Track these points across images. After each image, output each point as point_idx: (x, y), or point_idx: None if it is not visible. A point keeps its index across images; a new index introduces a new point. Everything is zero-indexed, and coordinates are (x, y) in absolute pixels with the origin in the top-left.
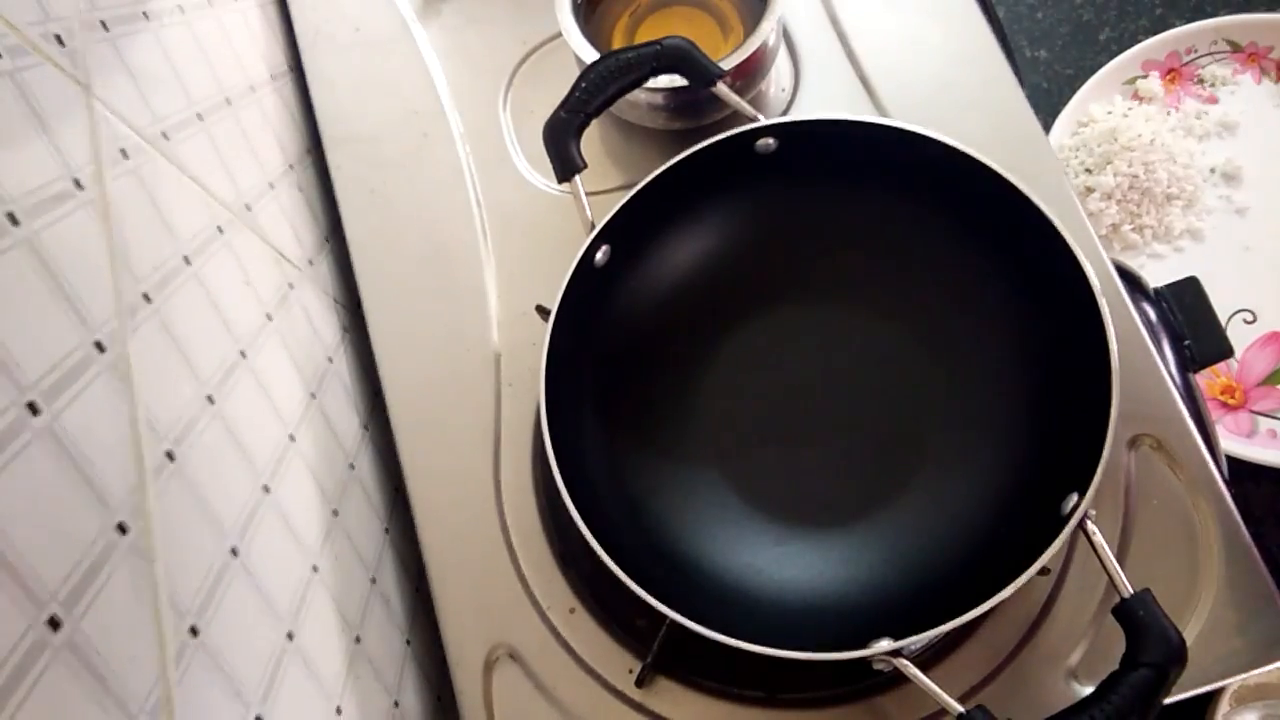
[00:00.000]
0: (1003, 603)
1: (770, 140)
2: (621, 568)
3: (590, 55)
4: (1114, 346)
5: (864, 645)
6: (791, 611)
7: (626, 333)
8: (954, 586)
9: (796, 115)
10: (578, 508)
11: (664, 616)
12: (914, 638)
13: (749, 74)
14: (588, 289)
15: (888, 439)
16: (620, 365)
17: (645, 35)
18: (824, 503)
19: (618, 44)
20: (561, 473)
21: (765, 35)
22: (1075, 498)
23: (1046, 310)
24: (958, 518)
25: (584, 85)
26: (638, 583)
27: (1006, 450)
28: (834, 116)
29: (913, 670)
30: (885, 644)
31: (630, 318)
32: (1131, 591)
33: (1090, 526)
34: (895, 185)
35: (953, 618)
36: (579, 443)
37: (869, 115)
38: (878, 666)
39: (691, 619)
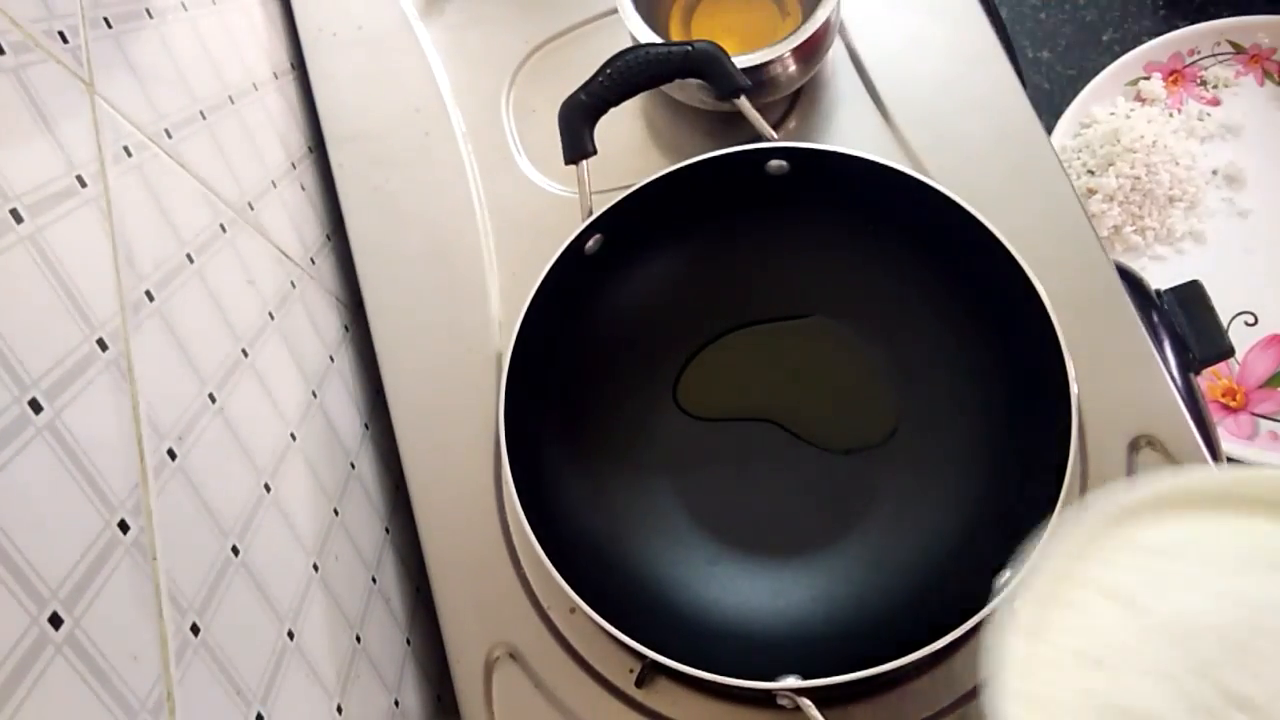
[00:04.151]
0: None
1: (783, 163)
2: (545, 549)
3: (647, 36)
4: (1074, 439)
5: (772, 678)
6: (709, 630)
7: (604, 327)
8: (876, 637)
9: (810, 140)
10: (514, 476)
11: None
12: (822, 680)
13: (807, 57)
14: (573, 274)
15: (841, 479)
16: (591, 357)
17: (701, 18)
18: (765, 532)
19: (674, 24)
20: (510, 451)
21: (823, 18)
22: (1008, 574)
23: (1021, 389)
24: (893, 572)
25: (608, 72)
26: (558, 569)
27: (954, 513)
28: (852, 152)
29: (814, 712)
30: (792, 681)
31: (610, 313)
32: None
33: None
34: (900, 231)
35: (867, 667)
36: (538, 429)
37: (882, 156)
38: (781, 702)
39: (602, 615)
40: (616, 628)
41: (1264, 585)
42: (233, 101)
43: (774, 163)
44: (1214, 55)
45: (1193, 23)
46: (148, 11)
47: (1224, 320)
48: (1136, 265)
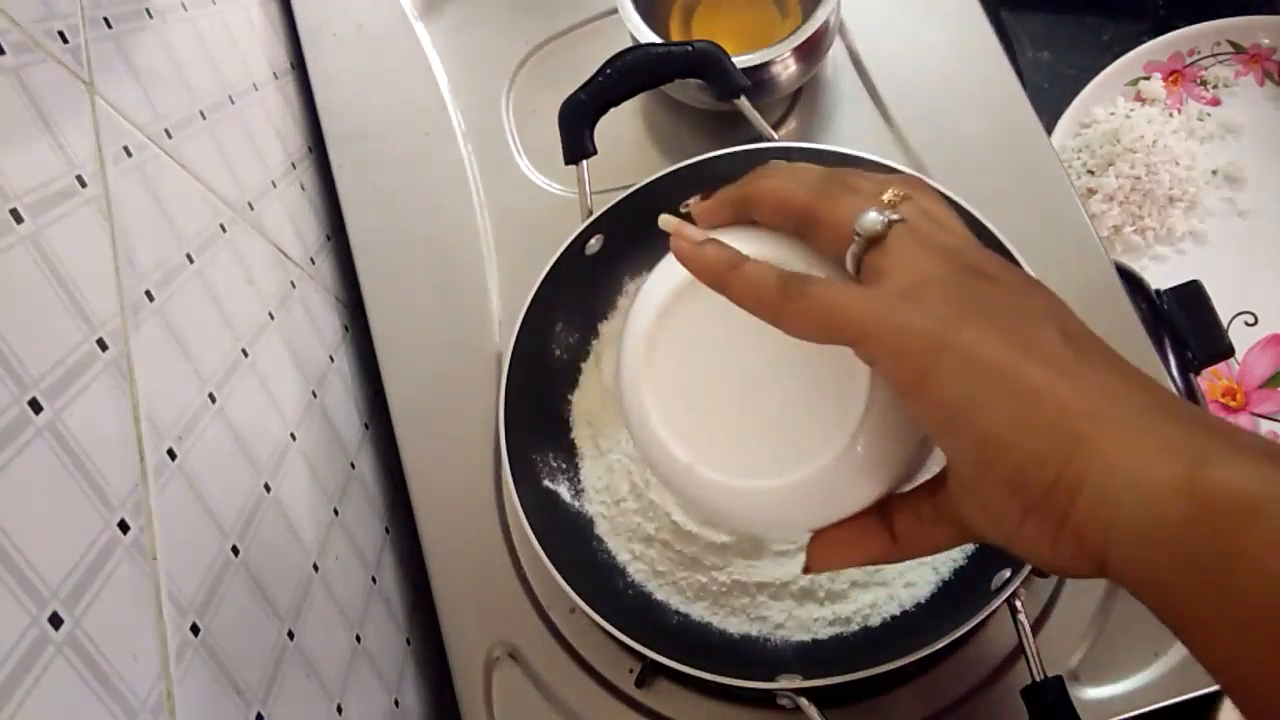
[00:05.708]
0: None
1: (784, 163)
2: (545, 549)
3: (647, 36)
4: None
5: (772, 678)
6: (709, 629)
7: (604, 327)
8: (875, 638)
9: (810, 140)
10: (514, 476)
11: None
12: (822, 680)
13: (807, 57)
14: (573, 274)
15: None
16: (592, 357)
17: (701, 18)
18: None
19: (675, 24)
20: (510, 451)
21: (823, 18)
22: (1007, 574)
23: None
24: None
25: (609, 72)
26: (558, 569)
27: None
28: (852, 152)
29: (813, 713)
30: (792, 681)
31: (610, 313)
32: (1045, 675)
33: (1018, 604)
34: None
35: (867, 668)
36: (538, 429)
37: (882, 156)
38: (781, 702)
39: (602, 615)
40: (616, 628)
41: None
42: (233, 101)
43: (776, 162)
44: (1214, 55)
45: (1193, 23)
46: (148, 11)
47: (1224, 320)
48: (1136, 265)
